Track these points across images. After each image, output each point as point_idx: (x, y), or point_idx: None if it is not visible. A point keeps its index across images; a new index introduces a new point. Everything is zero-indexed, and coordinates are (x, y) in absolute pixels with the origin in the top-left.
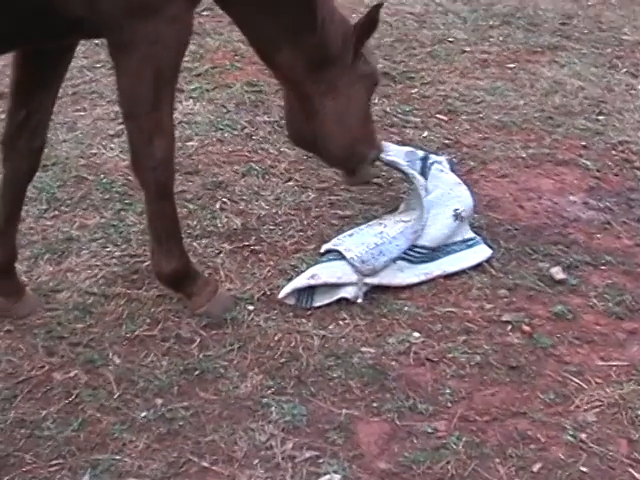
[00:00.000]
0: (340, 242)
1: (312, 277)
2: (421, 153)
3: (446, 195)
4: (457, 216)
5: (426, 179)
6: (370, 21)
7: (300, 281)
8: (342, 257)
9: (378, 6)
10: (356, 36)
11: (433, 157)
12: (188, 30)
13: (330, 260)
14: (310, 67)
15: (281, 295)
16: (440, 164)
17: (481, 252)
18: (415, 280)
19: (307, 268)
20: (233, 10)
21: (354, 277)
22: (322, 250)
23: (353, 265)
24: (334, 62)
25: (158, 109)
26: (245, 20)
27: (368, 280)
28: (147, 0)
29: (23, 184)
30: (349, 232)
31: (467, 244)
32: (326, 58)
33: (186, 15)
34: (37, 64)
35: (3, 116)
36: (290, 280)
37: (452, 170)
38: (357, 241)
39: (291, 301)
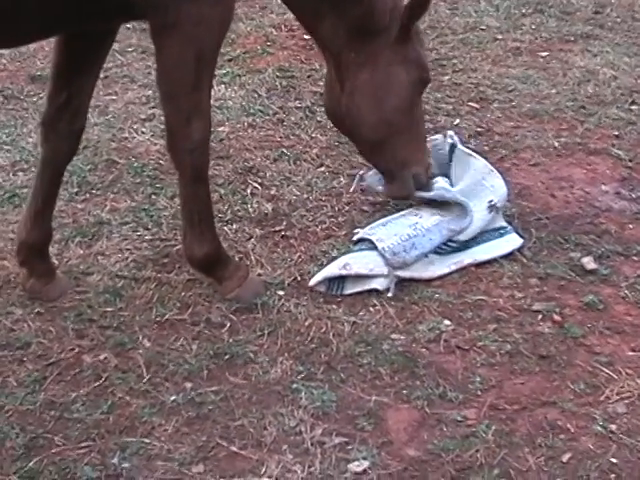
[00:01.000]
0: (373, 231)
1: (344, 267)
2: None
3: (479, 186)
4: (492, 207)
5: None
6: (421, 1)
7: (331, 270)
8: (374, 247)
9: None
10: (406, 14)
11: (439, 140)
12: (230, 12)
13: (362, 250)
14: (352, 37)
15: (312, 283)
16: (452, 138)
17: (512, 241)
18: (446, 271)
19: (338, 254)
20: None
21: (385, 269)
22: (354, 238)
23: (384, 256)
24: (378, 36)
25: (198, 90)
26: None
27: (399, 272)
28: None
29: (62, 165)
30: (382, 221)
31: (499, 232)
32: (370, 30)
33: None
34: (80, 47)
35: (35, 99)
36: (321, 266)
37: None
38: (390, 231)
39: (322, 289)
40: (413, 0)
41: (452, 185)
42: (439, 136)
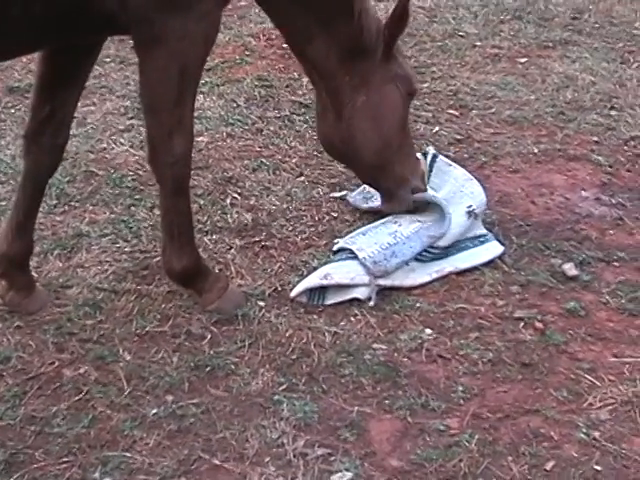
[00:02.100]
0: (353, 240)
1: (325, 277)
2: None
3: (458, 193)
4: (470, 213)
5: (430, 171)
6: (400, 16)
7: (312, 280)
8: (354, 256)
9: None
10: (387, 32)
11: (419, 158)
12: (216, 28)
13: (343, 259)
14: (344, 59)
15: (293, 294)
16: (433, 151)
17: (493, 249)
18: (427, 279)
19: (318, 264)
20: None
21: (366, 278)
22: (335, 248)
23: (365, 265)
24: (368, 57)
25: (181, 105)
26: (278, 6)
27: (380, 281)
28: None
29: (44, 178)
30: (362, 230)
31: (479, 240)
32: (360, 51)
33: (215, 12)
34: (64, 60)
35: (13, 110)
36: (301, 276)
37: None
38: (370, 240)
39: (303, 299)
40: (393, 16)
41: None
42: (419, 154)
